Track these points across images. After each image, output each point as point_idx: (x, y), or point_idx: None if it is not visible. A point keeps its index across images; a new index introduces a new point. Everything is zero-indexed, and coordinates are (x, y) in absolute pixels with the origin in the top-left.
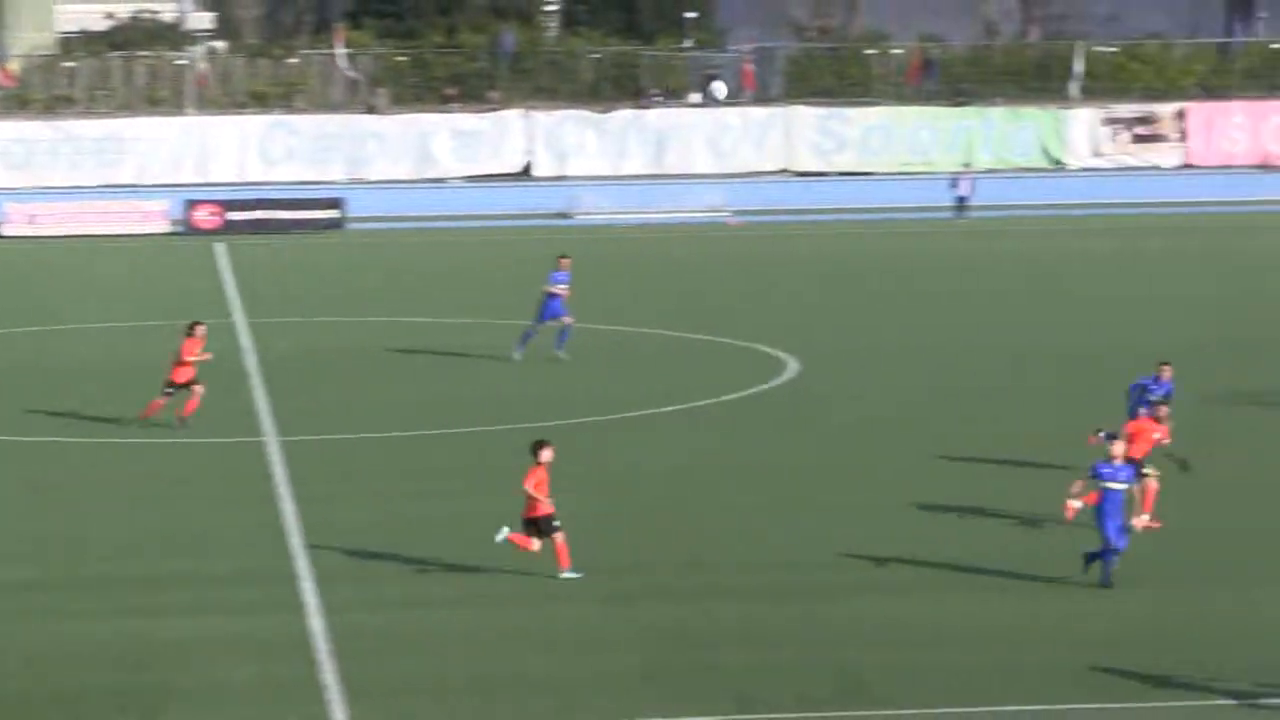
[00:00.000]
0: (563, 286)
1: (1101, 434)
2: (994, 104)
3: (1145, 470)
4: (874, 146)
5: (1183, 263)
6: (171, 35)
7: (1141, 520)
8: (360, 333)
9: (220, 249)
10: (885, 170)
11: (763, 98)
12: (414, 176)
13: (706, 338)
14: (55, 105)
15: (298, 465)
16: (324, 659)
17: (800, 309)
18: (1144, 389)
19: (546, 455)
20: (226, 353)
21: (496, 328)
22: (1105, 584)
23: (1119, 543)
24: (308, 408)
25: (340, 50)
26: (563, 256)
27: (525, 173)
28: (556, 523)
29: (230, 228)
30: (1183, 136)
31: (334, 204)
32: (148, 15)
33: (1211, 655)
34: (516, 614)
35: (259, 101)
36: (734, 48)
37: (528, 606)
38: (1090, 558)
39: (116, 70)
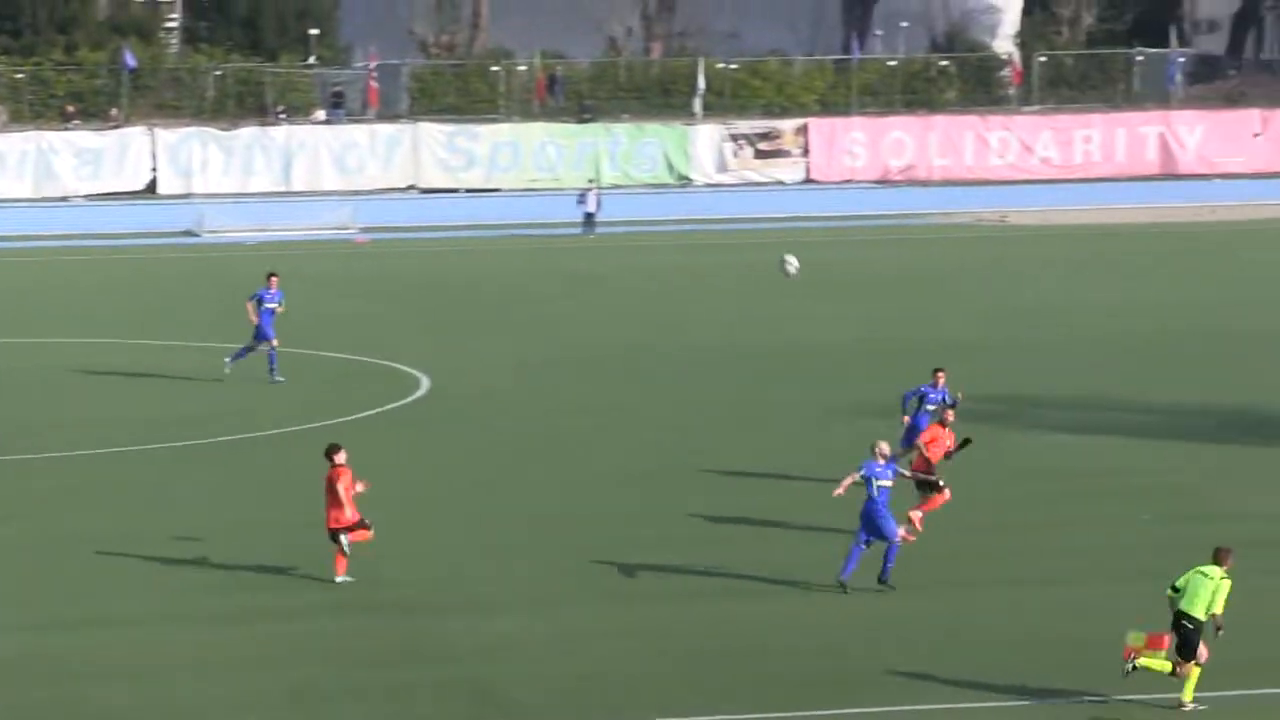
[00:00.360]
0: (275, 304)
1: (883, 445)
2: (619, 120)
3: (941, 482)
4: (502, 163)
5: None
6: None
7: (917, 515)
8: None
9: None
10: (513, 187)
11: (389, 114)
12: (35, 195)
13: (339, 355)
14: None
15: None
16: None
17: (431, 326)
18: (922, 396)
19: (340, 457)
20: None
21: (124, 347)
22: (884, 579)
23: (894, 535)
24: None
25: None
26: (272, 274)
27: (150, 190)
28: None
29: None
30: (805, 152)
31: None
32: None
33: (990, 656)
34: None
35: None
36: (358, 64)
37: (142, 627)
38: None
39: None
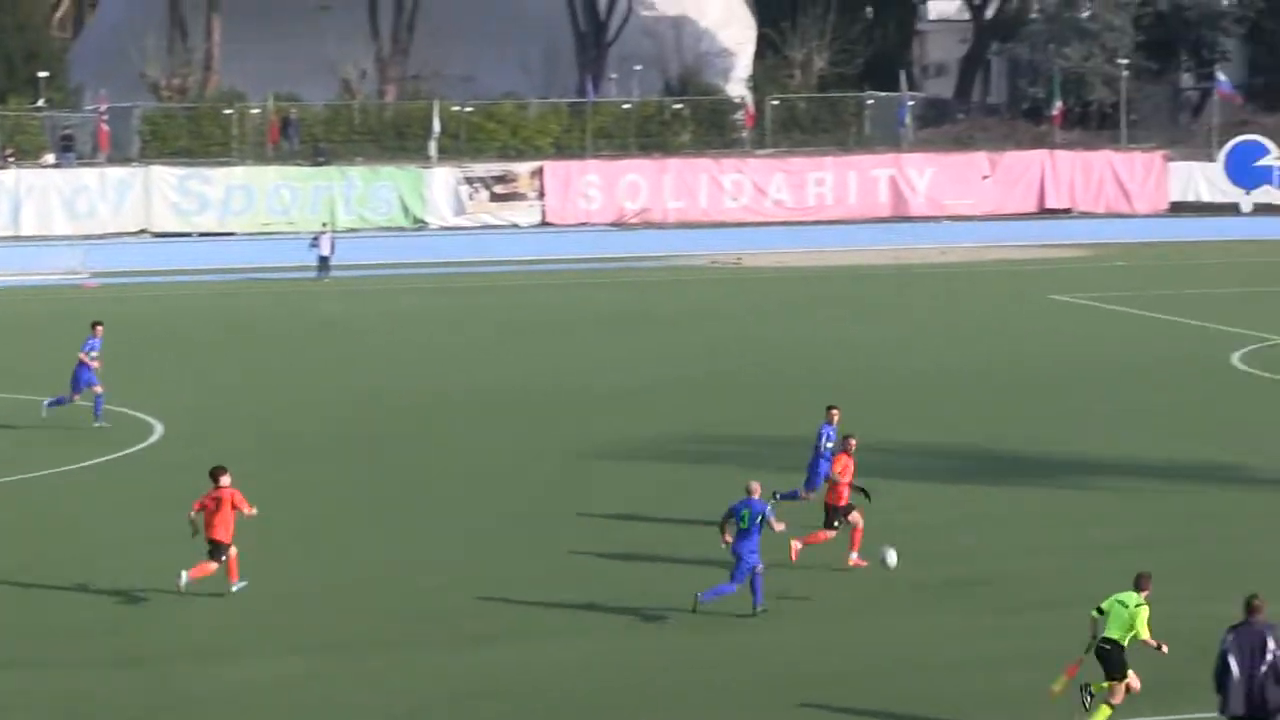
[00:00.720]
0: (94, 354)
1: (753, 484)
2: (354, 164)
3: (852, 515)
4: (235, 206)
5: (542, 315)
6: None
7: (796, 545)
8: None
9: None
10: (247, 230)
11: (120, 158)
12: None
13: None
14: None
15: None
16: None
17: (163, 371)
18: (820, 434)
19: (226, 479)
20: None
21: None
22: (759, 605)
23: (757, 564)
24: None
25: None
26: (97, 323)
27: None
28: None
29: None
30: (540, 195)
31: None
32: None
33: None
34: None
35: None
36: (89, 107)
37: None
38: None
39: None
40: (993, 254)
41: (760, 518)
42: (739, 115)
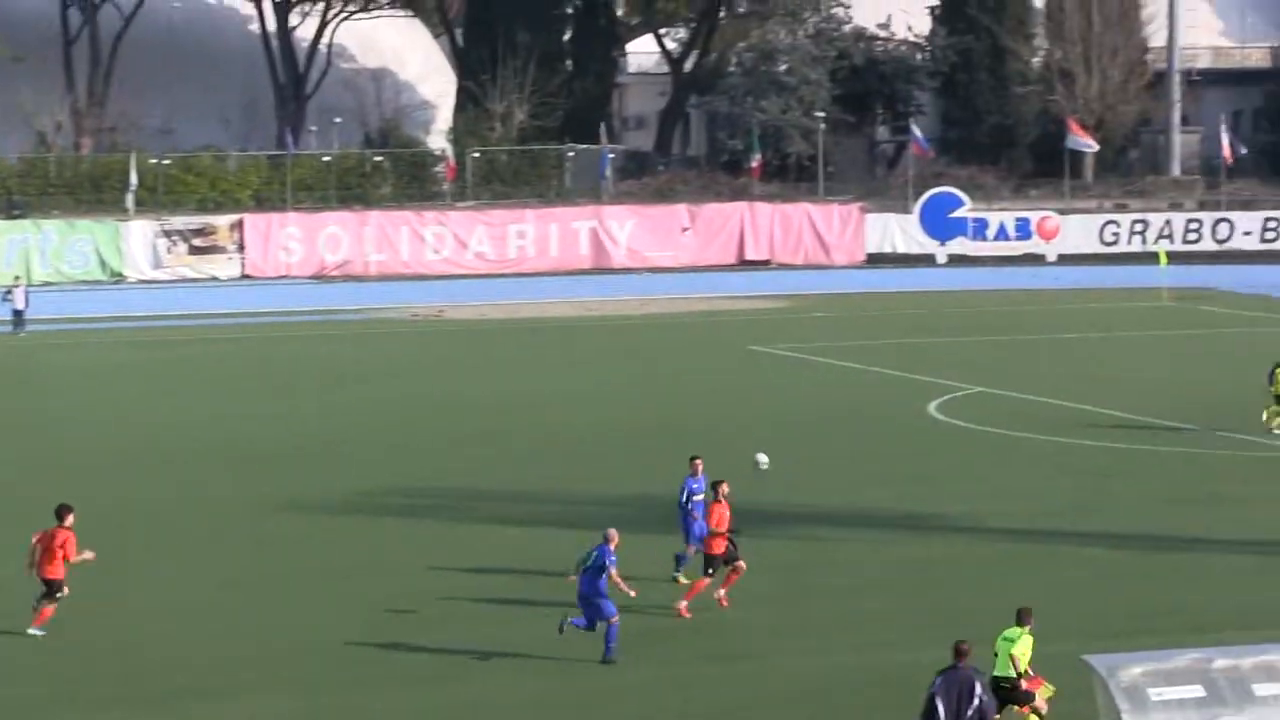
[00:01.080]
0: None
1: (611, 531)
2: (50, 217)
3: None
4: None
5: (240, 369)
6: None
7: (720, 594)
8: None
9: None
10: None
11: None
12: None
13: None
14: None
15: None
16: None
17: None
18: (685, 488)
19: (70, 520)
20: None
21: None
22: (608, 658)
23: (611, 615)
24: None
25: None
26: None
27: None
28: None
29: None
30: (240, 248)
31: None
32: None
33: None
34: None
35: None
36: None
37: None
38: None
39: None
40: (693, 305)
41: (600, 561)
42: (440, 168)
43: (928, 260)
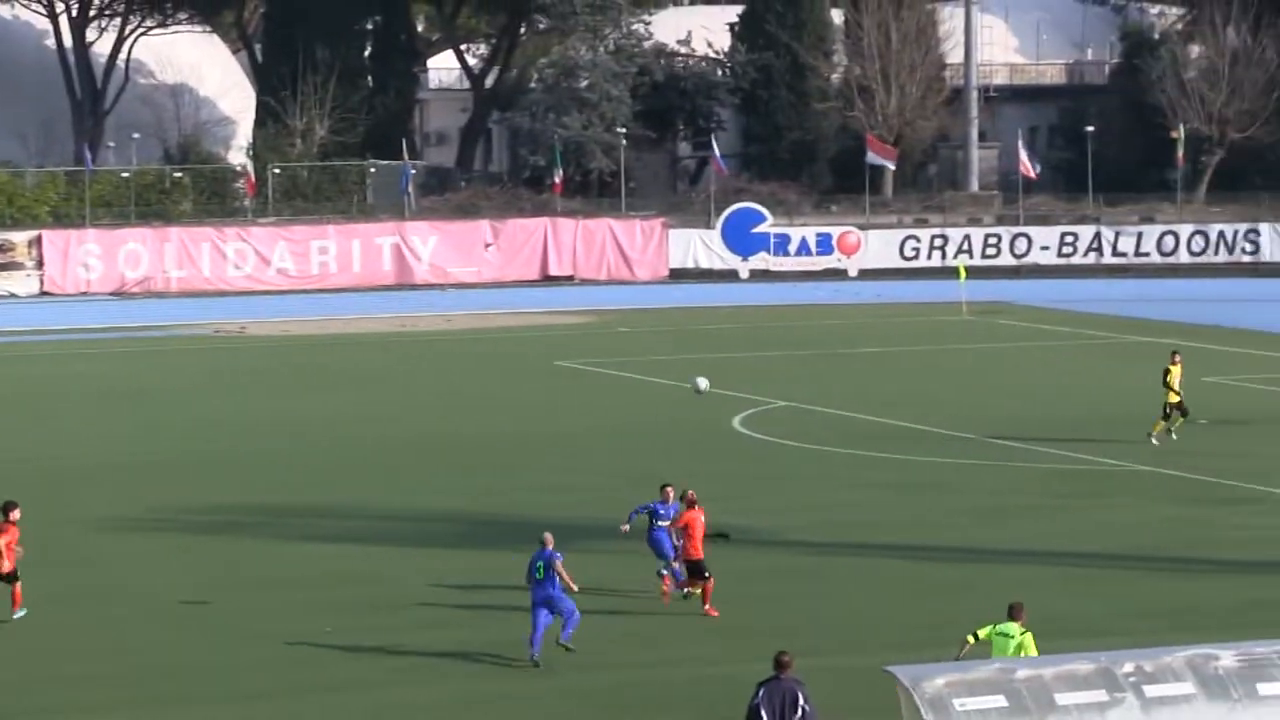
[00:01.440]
0: None
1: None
2: None
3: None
4: None
5: (38, 387)
6: None
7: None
8: None
9: None
10: None
11: None
12: None
13: None
14: None
15: None
16: None
17: None
18: (653, 513)
19: (15, 515)
20: None
21: None
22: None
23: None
24: None
25: None
26: None
27: None
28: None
29: None
30: (39, 264)
31: None
32: None
33: None
34: None
35: None
36: None
37: None
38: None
39: None
40: (496, 321)
41: (549, 566)
42: (240, 184)
43: (731, 275)
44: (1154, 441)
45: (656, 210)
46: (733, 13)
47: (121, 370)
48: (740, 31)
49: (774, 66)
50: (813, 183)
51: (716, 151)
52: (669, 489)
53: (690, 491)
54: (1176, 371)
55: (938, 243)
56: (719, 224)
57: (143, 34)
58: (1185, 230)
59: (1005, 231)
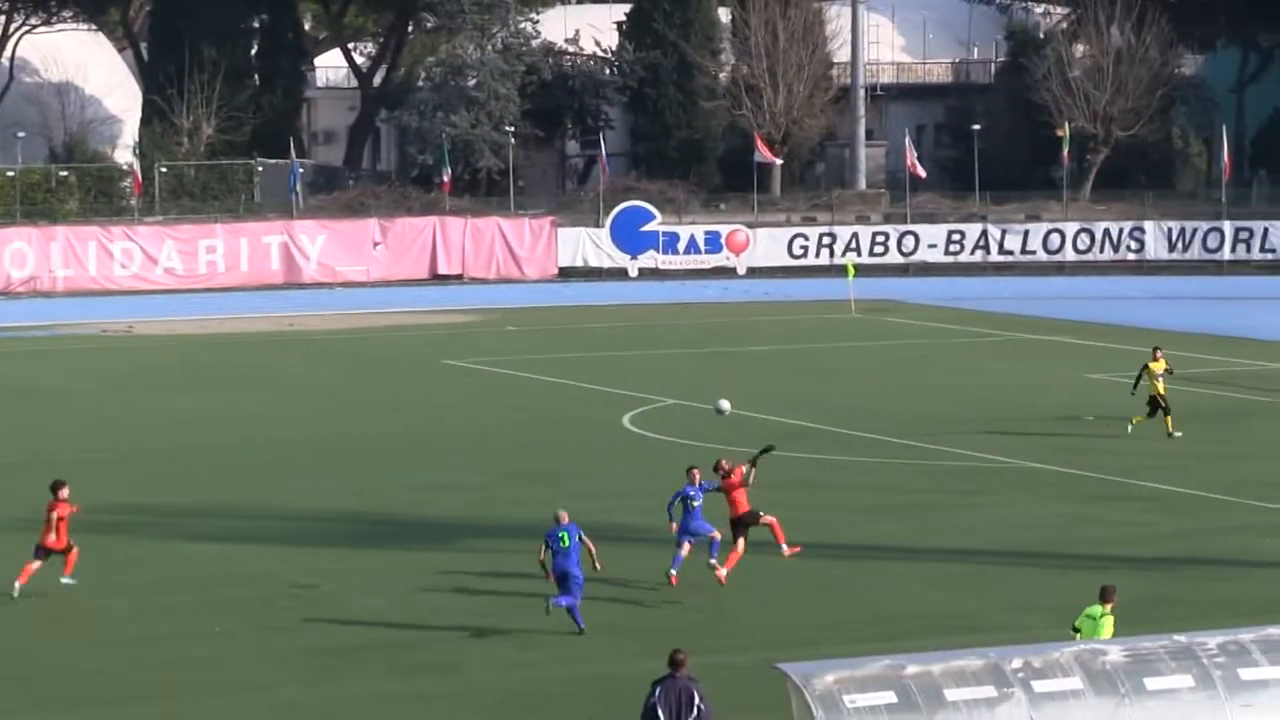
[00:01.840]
0: None
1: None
2: None
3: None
4: None
5: None
6: None
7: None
8: None
9: None
10: None
11: None
12: None
13: None
14: None
15: None
16: None
17: None
18: (686, 498)
19: (64, 492)
20: None
21: None
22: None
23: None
24: None
25: None
26: None
27: None
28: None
29: None
30: None
31: None
32: None
33: None
34: None
35: None
36: None
37: None
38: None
39: None
40: (385, 320)
41: (578, 536)
42: (127, 182)
43: (620, 274)
44: (1128, 429)
45: (545, 209)
46: (620, 11)
47: (7, 370)
48: (628, 30)
49: (662, 65)
50: (701, 181)
51: (604, 150)
52: (695, 471)
53: (722, 460)
54: (1158, 368)
55: (826, 241)
56: (608, 223)
57: (27, 32)
58: (1071, 228)
59: (893, 230)
